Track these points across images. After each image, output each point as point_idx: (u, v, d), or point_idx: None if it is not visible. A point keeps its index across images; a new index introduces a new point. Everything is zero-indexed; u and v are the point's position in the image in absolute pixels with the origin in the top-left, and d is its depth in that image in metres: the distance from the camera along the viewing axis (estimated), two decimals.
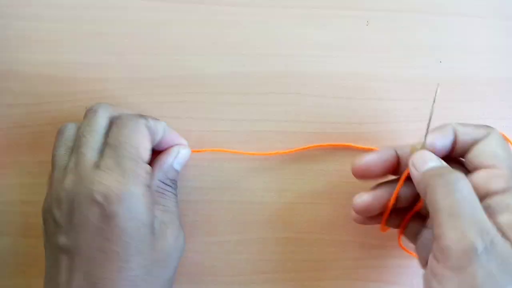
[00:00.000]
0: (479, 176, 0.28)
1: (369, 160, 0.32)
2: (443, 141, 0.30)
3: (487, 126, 0.31)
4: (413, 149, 0.31)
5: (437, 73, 0.41)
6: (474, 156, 0.30)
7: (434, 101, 0.31)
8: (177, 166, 0.32)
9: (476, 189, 0.27)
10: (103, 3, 0.39)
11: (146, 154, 0.29)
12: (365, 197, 0.32)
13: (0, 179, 0.38)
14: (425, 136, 0.31)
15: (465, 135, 0.30)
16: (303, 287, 0.39)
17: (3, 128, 0.38)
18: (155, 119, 0.32)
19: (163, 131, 0.32)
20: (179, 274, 0.38)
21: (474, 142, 0.30)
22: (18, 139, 0.38)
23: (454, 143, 0.31)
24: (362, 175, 0.32)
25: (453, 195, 0.26)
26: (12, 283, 0.37)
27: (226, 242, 0.38)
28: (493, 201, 0.27)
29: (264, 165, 0.39)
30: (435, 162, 0.29)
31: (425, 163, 0.29)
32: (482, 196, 0.27)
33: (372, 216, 0.33)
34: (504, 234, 0.25)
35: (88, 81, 0.38)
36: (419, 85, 0.40)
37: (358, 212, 0.33)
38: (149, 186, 0.29)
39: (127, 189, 0.27)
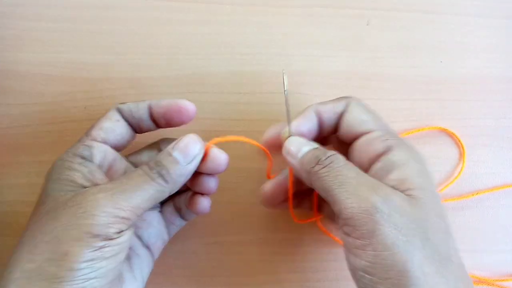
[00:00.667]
0: (358, 145, 0.29)
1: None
2: (309, 124, 0.31)
3: (345, 97, 0.31)
4: (283, 138, 0.31)
5: (438, 72, 0.41)
6: (345, 129, 0.30)
7: (285, 89, 0.32)
8: (176, 153, 0.28)
9: (361, 159, 0.29)
10: (103, 3, 0.39)
11: (98, 132, 0.30)
12: (269, 185, 0.33)
13: (0, 179, 0.38)
14: (288, 123, 0.31)
15: (327, 112, 0.31)
16: None
17: (3, 128, 0.38)
18: (139, 102, 0.32)
19: (144, 107, 0.31)
20: (179, 274, 0.38)
21: (339, 116, 0.31)
22: (18, 139, 0.38)
23: (321, 122, 0.31)
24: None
25: (333, 170, 0.27)
26: None
27: (226, 242, 0.38)
28: (380, 163, 0.27)
29: (264, 165, 0.39)
30: (307, 146, 0.29)
31: (298, 151, 0.29)
32: (370, 163, 0.28)
33: (280, 201, 0.34)
34: (398, 190, 0.26)
35: (88, 80, 0.38)
36: (420, 84, 0.40)
37: (267, 199, 0.34)
38: (78, 155, 0.29)
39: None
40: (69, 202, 0.26)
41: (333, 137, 0.34)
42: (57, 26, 0.38)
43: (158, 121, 0.32)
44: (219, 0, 0.39)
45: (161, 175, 0.28)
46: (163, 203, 0.35)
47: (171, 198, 0.34)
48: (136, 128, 0.32)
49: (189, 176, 0.29)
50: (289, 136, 0.31)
